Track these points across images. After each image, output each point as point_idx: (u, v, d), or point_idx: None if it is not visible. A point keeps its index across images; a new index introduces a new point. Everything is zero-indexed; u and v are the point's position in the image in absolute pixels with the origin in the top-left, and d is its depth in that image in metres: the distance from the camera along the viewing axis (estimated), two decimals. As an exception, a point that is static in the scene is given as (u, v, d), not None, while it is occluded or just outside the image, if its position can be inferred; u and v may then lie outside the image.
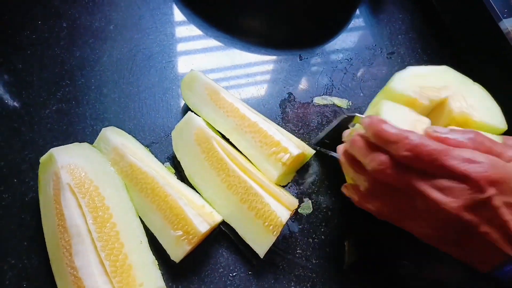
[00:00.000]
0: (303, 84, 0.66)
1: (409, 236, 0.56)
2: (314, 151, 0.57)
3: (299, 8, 0.73)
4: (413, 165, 0.37)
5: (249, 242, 0.51)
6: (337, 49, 0.70)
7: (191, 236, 0.48)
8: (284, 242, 0.54)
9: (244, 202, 0.51)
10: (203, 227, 0.48)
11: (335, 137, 0.51)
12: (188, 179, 0.55)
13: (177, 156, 0.56)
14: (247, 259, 0.53)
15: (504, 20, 0.59)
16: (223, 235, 0.54)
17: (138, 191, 0.51)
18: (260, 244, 0.50)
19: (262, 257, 0.50)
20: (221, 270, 0.52)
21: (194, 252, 0.52)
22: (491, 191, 0.35)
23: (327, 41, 0.70)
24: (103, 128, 0.54)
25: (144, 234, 0.50)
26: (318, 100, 0.65)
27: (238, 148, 0.56)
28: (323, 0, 0.73)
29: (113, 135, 0.54)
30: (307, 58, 0.68)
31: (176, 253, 0.49)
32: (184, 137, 0.56)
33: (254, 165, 0.55)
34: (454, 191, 0.36)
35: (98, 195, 0.49)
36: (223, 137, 0.57)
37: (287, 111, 0.63)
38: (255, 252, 0.51)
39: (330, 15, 0.72)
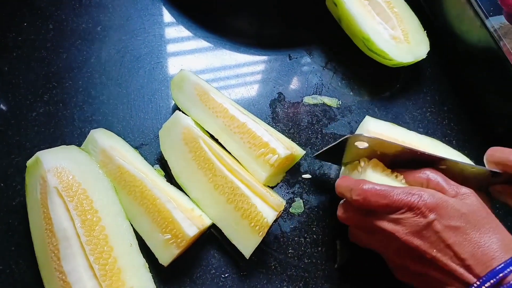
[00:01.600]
0: (293, 84, 0.66)
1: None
2: (304, 152, 0.57)
3: (288, 9, 0.73)
4: (367, 207, 0.45)
5: (235, 242, 0.51)
6: (326, 48, 0.70)
7: (179, 240, 0.48)
8: (275, 242, 0.54)
9: (230, 203, 0.51)
10: (192, 231, 0.48)
11: (336, 152, 0.53)
12: (175, 178, 0.54)
13: (164, 155, 0.55)
14: (239, 260, 0.52)
15: (490, 18, 0.60)
16: (213, 237, 0.53)
17: (127, 194, 0.51)
18: (245, 245, 0.50)
19: (247, 258, 0.50)
20: (213, 271, 0.52)
21: (185, 254, 0.51)
22: (431, 216, 0.41)
23: (316, 40, 0.70)
24: (91, 130, 0.54)
25: (134, 237, 0.49)
26: (308, 100, 0.65)
27: (227, 149, 0.56)
28: (311, 0, 0.73)
29: (101, 137, 0.53)
30: (296, 58, 0.68)
31: (165, 256, 0.48)
32: (172, 136, 0.55)
33: (242, 166, 0.55)
34: (402, 221, 0.43)
35: (86, 198, 0.48)
36: (212, 137, 0.57)
37: (277, 111, 0.63)
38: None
39: (318, 15, 0.72)
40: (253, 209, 0.50)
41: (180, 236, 0.48)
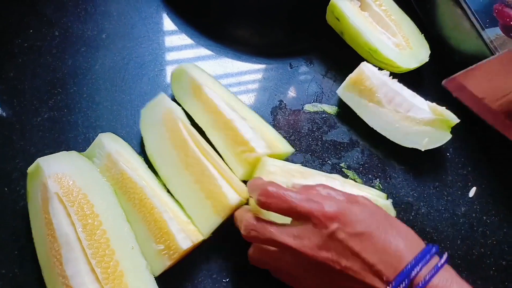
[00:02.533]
0: (293, 92, 0.67)
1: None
2: (292, 150, 0.58)
3: (289, 17, 0.74)
4: (267, 209, 0.43)
5: (196, 222, 0.52)
6: (327, 57, 0.71)
7: (171, 252, 0.48)
8: (276, 247, 0.55)
9: (197, 183, 0.52)
10: (185, 244, 0.48)
11: None
12: (148, 156, 0.56)
13: (142, 134, 0.57)
14: (240, 265, 0.53)
15: (486, 30, 0.61)
16: (215, 241, 0.54)
17: (126, 200, 0.52)
18: (205, 224, 0.51)
19: (205, 238, 0.51)
20: (214, 276, 0.52)
21: (186, 259, 0.52)
22: (334, 225, 0.39)
23: (317, 49, 0.72)
24: (99, 134, 0.55)
25: (135, 240, 0.50)
26: (308, 107, 0.66)
27: (214, 145, 0.58)
28: (313, 9, 0.74)
29: (108, 142, 0.54)
30: (297, 67, 0.69)
31: (156, 267, 0.48)
32: (153, 116, 0.57)
33: (215, 153, 0.56)
34: (305, 234, 0.40)
35: (87, 202, 0.49)
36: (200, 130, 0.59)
37: (278, 118, 0.64)
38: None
39: (319, 24, 0.73)
40: (217, 190, 0.51)
41: (173, 248, 0.48)
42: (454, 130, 0.65)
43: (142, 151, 0.58)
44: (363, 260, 0.39)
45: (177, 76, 0.61)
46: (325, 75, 0.69)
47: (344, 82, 0.63)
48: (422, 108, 0.61)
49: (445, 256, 0.40)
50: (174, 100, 0.61)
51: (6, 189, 0.53)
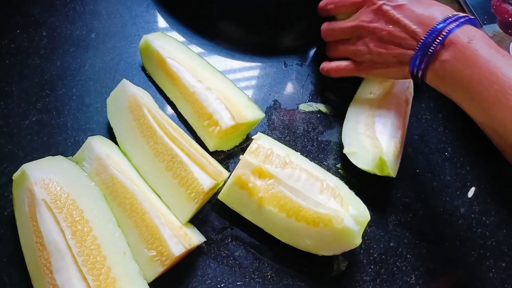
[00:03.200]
0: (288, 91, 0.66)
1: (397, 241, 0.56)
2: (262, 115, 0.58)
3: (283, 16, 0.73)
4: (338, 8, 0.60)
5: (172, 209, 0.51)
6: (322, 56, 0.70)
7: (164, 258, 0.47)
8: (271, 251, 0.54)
9: (169, 170, 0.52)
10: (178, 250, 0.47)
11: None
12: (120, 146, 0.55)
13: (111, 123, 0.56)
14: (235, 270, 0.52)
15: (484, 26, 0.60)
16: (209, 246, 0.53)
17: (117, 205, 0.50)
18: (181, 211, 0.51)
19: (183, 224, 0.50)
20: (209, 281, 0.51)
21: (181, 264, 0.51)
22: (380, 2, 0.53)
23: (312, 47, 0.71)
24: (89, 137, 0.53)
25: (127, 245, 0.48)
26: (303, 107, 0.65)
27: (183, 115, 0.59)
28: (307, 7, 0.73)
29: (98, 145, 0.53)
30: (291, 65, 0.68)
31: (148, 273, 0.47)
32: (118, 104, 0.56)
33: (183, 136, 0.55)
34: (362, 15, 0.56)
35: (76, 208, 0.48)
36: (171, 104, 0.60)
37: (272, 118, 0.63)
38: (244, 261, 0.50)
39: (314, 22, 0.72)
40: (190, 176, 0.50)
41: (166, 254, 0.47)
42: (453, 129, 0.64)
43: (110, 137, 0.57)
44: (402, 24, 0.51)
45: (143, 49, 0.61)
46: (321, 73, 0.68)
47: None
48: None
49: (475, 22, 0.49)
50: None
51: (-7, 194, 0.52)
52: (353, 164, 0.57)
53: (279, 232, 0.51)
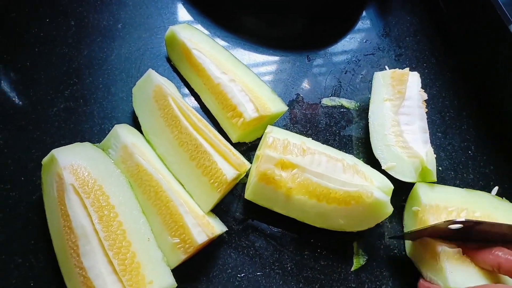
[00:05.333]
0: (311, 85, 0.66)
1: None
2: (286, 108, 0.58)
3: (306, 10, 0.73)
4: None
5: (195, 198, 0.52)
6: (345, 51, 0.70)
7: (187, 245, 0.48)
8: (292, 243, 0.54)
9: (193, 160, 0.52)
10: (201, 238, 0.48)
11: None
12: (144, 134, 0.56)
13: (136, 112, 0.57)
14: (255, 260, 0.52)
15: (513, 23, 0.59)
16: (230, 237, 0.53)
17: (142, 192, 0.51)
18: (204, 200, 0.51)
19: (205, 213, 0.51)
20: (229, 271, 0.52)
21: (202, 253, 0.51)
22: None
23: (335, 42, 0.70)
24: (115, 125, 0.54)
25: (151, 232, 0.49)
26: (326, 101, 0.64)
27: (207, 106, 0.59)
28: (330, 2, 0.73)
29: (124, 133, 0.54)
30: (314, 59, 0.68)
31: (171, 260, 0.48)
32: (144, 94, 0.56)
33: (207, 127, 0.55)
34: None
35: (103, 194, 0.49)
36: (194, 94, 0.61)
37: (295, 112, 0.63)
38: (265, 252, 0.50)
39: (337, 16, 0.71)
40: (213, 166, 0.51)
41: (189, 242, 0.48)
42: (477, 127, 0.63)
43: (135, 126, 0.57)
44: None
45: (169, 40, 0.61)
46: (344, 68, 0.68)
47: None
48: None
49: None
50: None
51: (22, 178, 0.53)
52: (374, 158, 0.56)
53: (312, 218, 0.52)
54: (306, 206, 0.51)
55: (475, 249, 0.47)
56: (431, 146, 0.57)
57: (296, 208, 0.51)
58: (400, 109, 0.60)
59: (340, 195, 0.50)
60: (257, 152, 0.52)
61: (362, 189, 0.50)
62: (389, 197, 0.50)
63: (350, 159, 0.54)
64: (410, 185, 0.56)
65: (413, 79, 0.62)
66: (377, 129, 0.59)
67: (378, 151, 0.57)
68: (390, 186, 0.52)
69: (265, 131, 0.54)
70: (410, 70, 0.63)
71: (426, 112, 0.60)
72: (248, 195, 0.52)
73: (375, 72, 0.65)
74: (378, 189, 0.50)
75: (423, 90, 0.62)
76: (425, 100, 0.61)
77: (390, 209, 0.50)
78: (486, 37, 0.67)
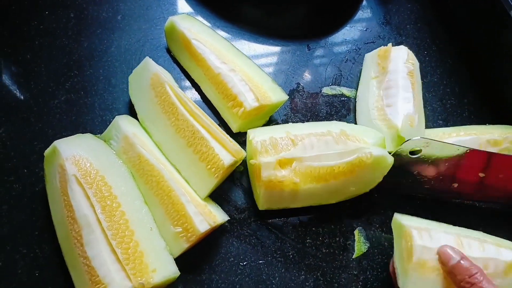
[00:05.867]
0: (311, 74, 0.65)
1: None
2: (286, 97, 0.58)
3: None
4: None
5: (192, 184, 0.52)
6: (346, 39, 0.69)
7: (189, 234, 0.48)
8: (294, 231, 0.54)
9: (190, 146, 0.53)
10: (203, 227, 0.48)
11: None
12: (140, 122, 0.56)
13: (132, 99, 0.57)
14: (257, 249, 0.53)
15: (515, 8, 0.59)
16: (232, 225, 0.54)
17: (144, 183, 0.52)
18: (201, 186, 0.52)
19: (202, 199, 0.51)
20: (232, 259, 0.52)
21: (205, 242, 0.52)
22: None
23: (335, 31, 0.70)
24: (116, 116, 0.55)
25: (154, 221, 0.50)
26: (326, 90, 0.64)
27: (207, 96, 0.60)
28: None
29: (125, 124, 0.54)
30: (315, 48, 0.68)
31: (174, 249, 0.49)
32: (141, 81, 0.57)
33: (204, 114, 0.55)
34: None
35: (105, 184, 0.49)
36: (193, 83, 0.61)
37: (295, 101, 0.63)
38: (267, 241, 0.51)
39: (337, 5, 0.71)
40: (210, 152, 0.51)
41: (191, 230, 0.48)
42: (478, 115, 0.63)
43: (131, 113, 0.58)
44: None
45: (169, 31, 0.61)
46: (344, 57, 0.67)
47: None
48: None
49: None
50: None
51: (25, 170, 0.54)
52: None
53: (326, 198, 0.53)
54: (317, 190, 0.51)
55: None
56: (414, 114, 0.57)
57: (309, 197, 0.52)
58: (384, 84, 0.61)
59: (343, 168, 0.51)
60: (251, 161, 0.52)
61: (360, 154, 0.51)
62: (386, 149, 0.52)
63: (335, 127, 0.54)
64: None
65: (398, 53, 0.62)
66: (362, 106, 0.61)
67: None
68: (382, 137, 0.53)
69: (248, 138, 0.54)
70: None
71: (413, 82, 0.60)
72: (262, 206, 0.53)
73: (365, 54, 0.65)
74: (373, 146, 0.52)
75: (414, 62, 0.62)
76: (423, 82, 0.62)
77: (391, 160, 0.52)
78: (487, 24, 0.66)
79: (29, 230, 0.51)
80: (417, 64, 0.63)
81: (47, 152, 0.50)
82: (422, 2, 0.74)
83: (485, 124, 0.63)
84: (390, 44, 0.63)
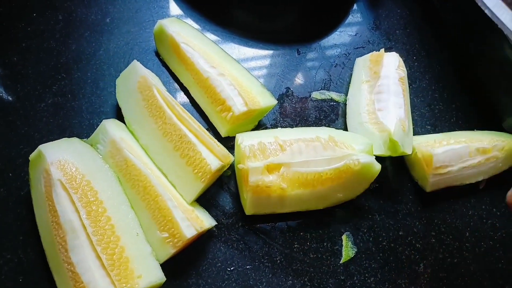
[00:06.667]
0: (301, 79, 0.66)
1: (407, 230, 0.56)
2: (275, 102, 0.58)
3: (297, 3, 0.73)
4: None
5: (178, 188, 0.52)
6: (335, 44, 0.70)
7: (176, 240, 0.48)
8: (281, 236, 0.54)
9: (177, 150, 0.53)
10: (189, 233, 0.48)
11: None
12: (127, 125, 0.55)
13: (119, 102, 0.57)
14: (244, 254, 0.53)
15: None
16: (219, 230, 0.54)
17: (130, 187, 0.51)
18: (188, 190, 0.51)
19: (189, 203, 0.51)
20: (219, 264, 0.52)
21: (192, 247, 0.51)
22: None
23: (325, 35, 0.70)
24: (103, 120, 0.54)
25: (140, 226, 0.49)
26: (316, 95, 0.64)
27: (196, 100, 0.59)
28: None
29: (112, 128, 0.54)
30: (305, 53, 0.68)
31: (160, 254, 0.48)
32: (128, 85, 0.57)
33: (192, 118, 0.55)
34: None
35: (91, 189, 0.49)
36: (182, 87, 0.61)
37: (285, 106, 0.63)
38: (253, 246, 0.51)
39: (328, 10, 0.71)
40: (197, 156, 0.51)
41: (178, 236, 0.48)
42: (466, 120, 0.63)
43: (118, 117, 0.57)
44: None
45: (158, 34, 0.61)
46: (334, 62, 0.68)
47: None
48: None
49: None
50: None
51: (10, 174, 0.53)
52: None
53: (314, 204, 0.53)
54: (304, 196, 0.52)
55: None
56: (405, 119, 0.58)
57: (296, 203, 0.52)
58: (375, 88, 0.61)
59: (331, 174, 0.51)
60: (239, 166, 0.52)
61: (348, 160, 0.51)
62: (373, 156, 0.53)
63: (324, 133, 0.54)
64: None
65: (390, 59, 0.63)
66: (352, 109, 0.61)
67: (352, 129, 0.60)
68: (370, 144, 0.54)
69: (237, 142, 0.54)
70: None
71: (403, 88, 0.61)
72: (248, 211, 0.52)
73: (356, 58, 0.66)
74: (361, 152, 0.52)
75: (404, 69, 0.63)
76: (409, 85, 0.62)
77: (378, 167, 0.52)
78: (475, 30, 0.67)
79: (14, 235, 0.50)
80: (406, 71, 0.64)
81: (32, 156, 0.50)
82: (411, 7, 0.75)
83: (473, 130, 0.64)
84: (382, 50, 0.64)
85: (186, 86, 0.61)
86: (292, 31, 0.71)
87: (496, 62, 0.64)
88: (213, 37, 0.67)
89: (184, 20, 0.67)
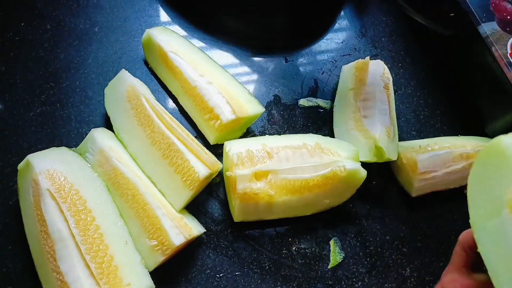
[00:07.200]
0: (288, 86, 0.67)
1: (393, 235, 0.57)
2: (262, 110, 0.58)
3: (284, 11, 0.74)
4: None
5: (167, 196, 0.53)
6: (322, 51, 0.71)
7: (165, 248, 0.49)
8: (270, 242, 0.55)
9: (165, 158, 0.53)
10: (178, 240, 0.48)
11: None
12: (116, 134, 0.56)
13: (108, 112, 0.57)
14: (233, 260, 0.53)
15: (482, 24, 0.61)
16: (208, 237, 0.54)
17: (119, 196, 0.52)
18: (177, 199, 0.52)
19: (178, 211, 0.51)
20: (208, 271, 0.52)
21: (181, 254, 0.52)
22: None
23: (313, 43, 0.71)
24: (92, 129, 0.54)
25: (129, 235, 0.50)
26: (303, 102, 0.65)
27: (184, 108, 0.60)
28: (308, 2, 0.74)
29: (101, 137, 0.54)
30: (292, 61, 0.69)
31: (149, 262, 0.49)
32: (116, 94, 0.57)
33: (180, 126, 0.56)
34: None
35: (79, 198, 0.49)
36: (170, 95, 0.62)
37: (273, 113, 0.64)
38: (242, 253, 0.51)
39: (314, 18, 0.72)
40: (186, 164, 0.52)
41: (166, 244, 0.48)
42: (451, 126, 0.65)
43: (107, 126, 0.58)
44: None
45: (146, 43, 0.62)
46: (320, 69, 0.69)
47: None
48: None
49: None
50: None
51: (-2, 184, 0.53)
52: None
53: (302, 210, 0.54)
54: (292, 203, 0.52)
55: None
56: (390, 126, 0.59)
57: (284, 209, 0.53)
58: (361, 95, 0.62)
59: (318, 180, 0.52)
60: (227, 173, 0.52)
61: (334, 167, 0.52)
62: (359, 162, 0.54)
63: (310, 140, 0.56)
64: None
65: (375, 66, 0.65)
66: (339, 116, 0.63)
67: (339, 136, 0.61)
68: (355, 150, 0.55)
69: (225, 150, 0.55)
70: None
71: (388, 95, 0.62)
72: (237, 218, 0.53)
73: (342, 66, 0.67)
74: (346, 159, 0.53)
75: (389, 76, 0.65)
76: (395, 91, 0.63)
77: (364, 173, 0.53)
78: (458, 37, 0.68)
79: (2, 244, 0.50)
80: (391, 78, 0.65)
81: (20, 166, 0.50)
82: (397, 15, 0.76)
83: (457, 135, 0.65)
84: (367, 58, 0.65)
85: (174, 95, 0.61)
86: (280, 38, 0.72)
87: (478, 69, 0.66)
88: (201, 44, 0.68)
89: (172, 28, 0.67)
